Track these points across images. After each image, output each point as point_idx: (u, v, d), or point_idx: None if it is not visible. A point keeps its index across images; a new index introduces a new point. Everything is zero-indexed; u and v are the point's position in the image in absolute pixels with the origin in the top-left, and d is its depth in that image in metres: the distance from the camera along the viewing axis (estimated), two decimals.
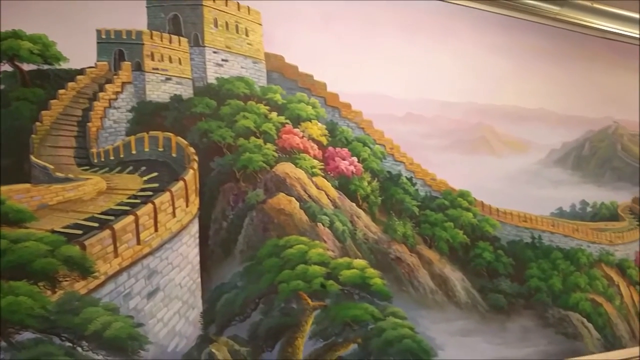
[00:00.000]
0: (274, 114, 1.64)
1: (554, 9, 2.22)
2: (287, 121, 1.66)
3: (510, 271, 1.93)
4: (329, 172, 1.72)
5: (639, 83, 2.56)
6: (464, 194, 1.92)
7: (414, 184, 1.87)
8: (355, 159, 1.77)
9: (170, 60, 1.55)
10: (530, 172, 2.11)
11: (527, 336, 1.91)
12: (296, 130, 1.67)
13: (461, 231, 1.89)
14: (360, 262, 1.67)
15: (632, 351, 2.17)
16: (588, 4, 2.31)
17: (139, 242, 1.36)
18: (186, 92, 1.55)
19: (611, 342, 2.12)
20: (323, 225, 1.65)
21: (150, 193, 1.43)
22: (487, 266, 1.90)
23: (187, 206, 1.46)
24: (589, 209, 2.24)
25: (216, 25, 1.61)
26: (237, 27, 1.64)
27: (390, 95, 1.86)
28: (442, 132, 1.94)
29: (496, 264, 1.91)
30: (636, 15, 2.52)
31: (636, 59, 2.57)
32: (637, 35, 2.55)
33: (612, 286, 2.19)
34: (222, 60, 1.61)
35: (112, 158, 1.46)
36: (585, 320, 2.06)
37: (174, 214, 1.43)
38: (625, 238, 2.30)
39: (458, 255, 1.87)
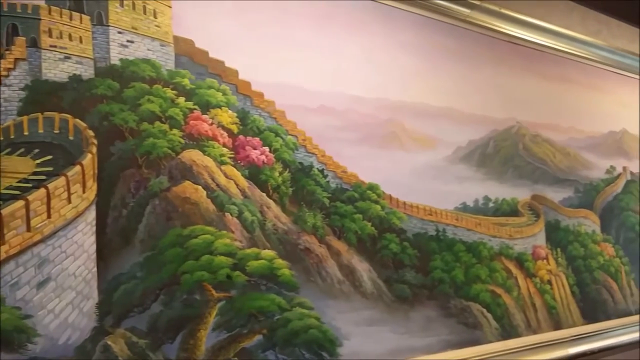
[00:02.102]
0: (181, 99, 1.58)
1: (465, 11, 2.30)
2: (196, 107, 1.61)
3: (415, 262, 1.98)
4: (239, 161, 1.69)
5: (541, 86, 2.72)
6: (373, 187, 1.95)
7: (325, 176, 1.87)
8: (266, 148, 1.75)
9: (70, 38, 1.46)
10: (437, 167, 2.17)
11: (430, 326, 1.96)
12: (205, 116, 1.63)
13: (369, 223, 1.91)
14: (268, 252, 1.65)
15: (527, 340, 2.29)
16: (496, 9, 2.41)
17: (29, 228, 1.27)
18: (87, 72, 1.46)
19: (508, 331, 2.23)
20: (231, 215, 1.61)
21: (43, 177, 1.33)
22: (393, 257, 1.93)
23: (83, 192, 1.38)
24: (491, 205, 2.34)
25: (122, 5, 1.54)
26: (144, 7, 1.57)
27: (303, 86, 1.85)
28: (354, 126, 1.96)
29: (402, 256, 1.95)
30: (540, 23, 2.66)
31: (539, 64, 2.72)
32: (540, 42, 2.70)
33: (510, 278, 2.31)
34: (128, 41, 1.54)
35: (1, 139, 1.36)
36: (485, 310, 2.15)
37: (69, 200, 1.35)
38: (523, 233, 2.42)
39: (366, 247, 1.89)
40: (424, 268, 2.01)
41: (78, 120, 1.42)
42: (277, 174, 1.77)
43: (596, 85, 3.06)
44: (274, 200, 1.74)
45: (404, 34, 2.13)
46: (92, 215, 1.42)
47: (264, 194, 1.73)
